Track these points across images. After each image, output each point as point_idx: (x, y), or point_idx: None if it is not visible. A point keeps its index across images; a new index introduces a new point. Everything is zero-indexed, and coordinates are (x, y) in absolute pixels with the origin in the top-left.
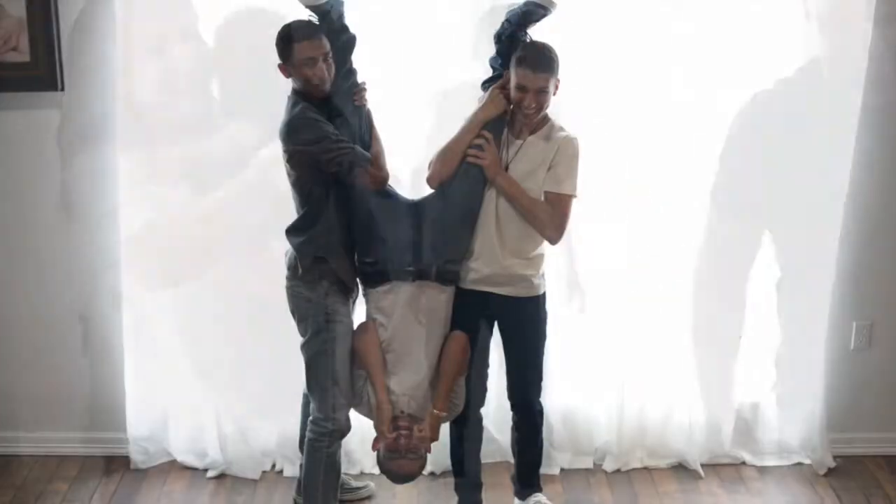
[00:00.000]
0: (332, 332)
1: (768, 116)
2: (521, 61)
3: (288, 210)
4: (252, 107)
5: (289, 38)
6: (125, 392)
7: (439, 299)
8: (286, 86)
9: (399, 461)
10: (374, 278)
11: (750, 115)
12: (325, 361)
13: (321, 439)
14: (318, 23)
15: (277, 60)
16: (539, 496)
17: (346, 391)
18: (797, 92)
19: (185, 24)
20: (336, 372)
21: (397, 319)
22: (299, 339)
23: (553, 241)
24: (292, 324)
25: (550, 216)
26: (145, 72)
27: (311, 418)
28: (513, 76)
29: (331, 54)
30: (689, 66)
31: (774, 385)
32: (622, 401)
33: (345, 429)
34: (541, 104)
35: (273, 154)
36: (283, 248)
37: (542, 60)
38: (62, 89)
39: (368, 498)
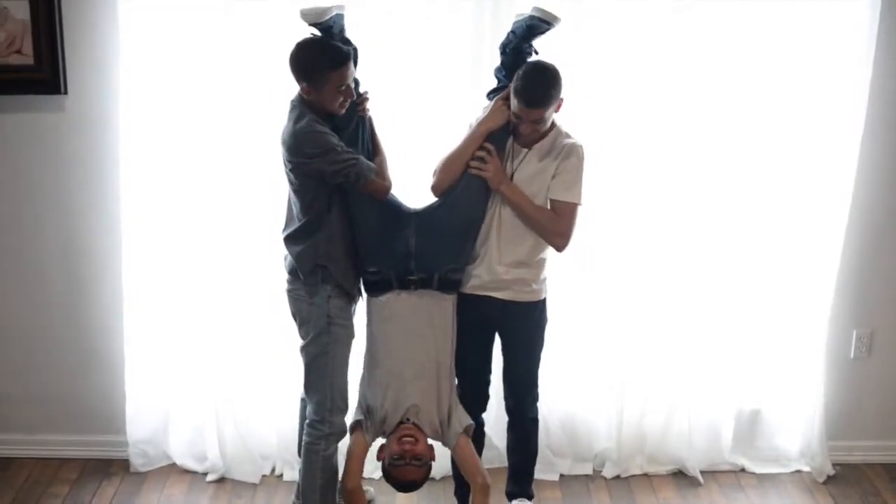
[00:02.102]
0: (332, 335)
1: (771, 124)
2: (517, 92)
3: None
4: (256, 110)
5: (328, 64)
6: (125, 395)
7: (441, 307)
8: (290, 87)
9: (404, 468)
10: (377, 287)
11: (753, 123)
12: (324, 364)
13: (318, 442)
14: (322, 37)
15: (281, 63)
16: (525, 503)
17: (344, 394)
18: (802, 100)
19: (188, 28)
20: (334, 375)
21: (398, 328)
22: (299, 343)
23: (559, 249)
24: (293, 327)
25: (556, 224)
26: (148, 75)
27: (307, 421)
28: (511, 101)
29: None
30: (692, 72)
31: (774, 392)
32: (622, 407)
33: (342, 432)
34: (538, 131)
35: (277, 157)
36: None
37: (537, 96)
38: (65, 92)
39: (368, 502)
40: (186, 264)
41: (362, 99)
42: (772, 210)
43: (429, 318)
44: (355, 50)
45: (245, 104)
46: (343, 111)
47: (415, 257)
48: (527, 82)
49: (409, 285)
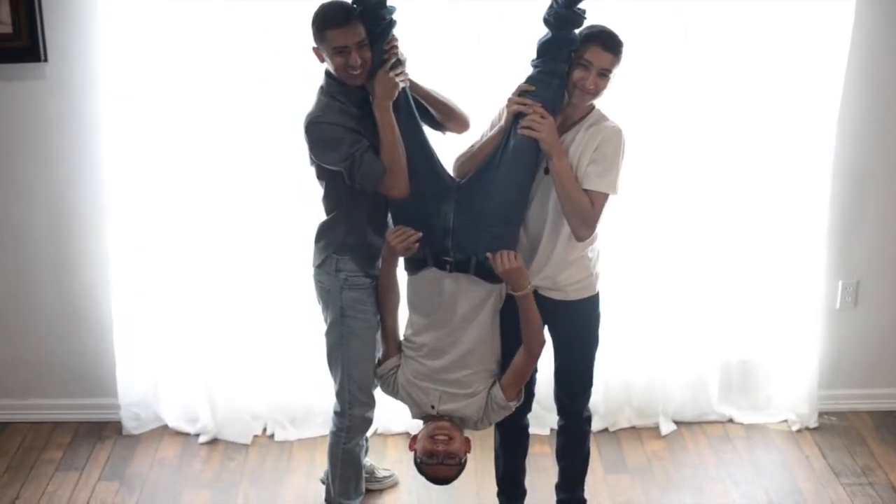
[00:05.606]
0: (346, 327)
1: (754, 76)
2: (591, 38)
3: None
4: (240, 73)
5: (321, 24)
6: (115, 358)
7: (480, 295)
8: (274, 54)
9: (437, 467)
10: (413, 265)
11: (737, 81)
12: (340, 356)
13: (338, 433)
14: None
15: (264, 36)
16: None
17: (365, 387)
18: (784, 50)
19: None
20: (350, 367)
21: (433, 312)
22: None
23: (582, 239)
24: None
25: (588, 213)
26: (128, 40)
27: (333, 409)
28: (578, 54)
29: (366, 41)
30: (685, 47)
31: (762, 343)
32: (608, 360)
33: (361, 426)
34: (599, 87)
35: (256, 115)
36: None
37: (614, 42)
38: (45, 60)
39: (394, 486)
40: (173, 226)
41: (391, 44)
42: (758, 161)
43: (465, 306)
44: (391, 22)
45: (228, 66)
46: (354, 81)
47: (452, 235)
48: (602, 28)
49: (444, 265)
